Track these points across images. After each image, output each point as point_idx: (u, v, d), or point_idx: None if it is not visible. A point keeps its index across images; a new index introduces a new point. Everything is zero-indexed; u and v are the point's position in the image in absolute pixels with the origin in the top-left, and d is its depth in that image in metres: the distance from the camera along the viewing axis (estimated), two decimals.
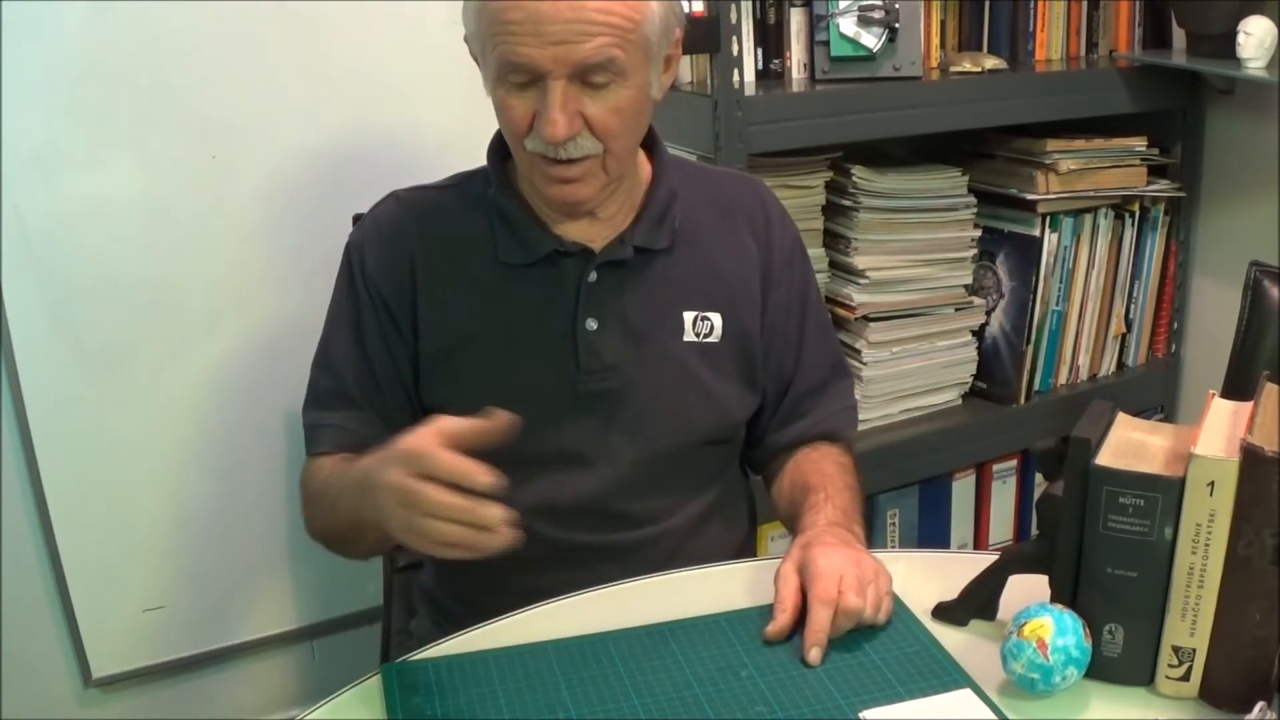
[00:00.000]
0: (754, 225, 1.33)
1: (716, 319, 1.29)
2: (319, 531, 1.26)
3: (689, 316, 1.28)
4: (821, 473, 1.31)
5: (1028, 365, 2.11)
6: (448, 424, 0.97)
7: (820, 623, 1.05)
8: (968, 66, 1.94)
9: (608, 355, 1.25)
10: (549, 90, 1.11)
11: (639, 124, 1.20)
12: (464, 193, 1.30)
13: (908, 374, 2.02)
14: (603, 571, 1.20)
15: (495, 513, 0.93)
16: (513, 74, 1.12)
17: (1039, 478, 2.14)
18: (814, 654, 1.04)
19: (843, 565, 1.08)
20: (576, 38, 1.09)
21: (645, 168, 1.29)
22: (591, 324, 1.24)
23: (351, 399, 1.27)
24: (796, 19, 1.89)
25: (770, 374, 1.35)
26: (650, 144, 1.30)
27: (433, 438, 0.96)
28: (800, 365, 1.36)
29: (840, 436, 1.39)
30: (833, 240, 1.97)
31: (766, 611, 1.10)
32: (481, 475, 0.93)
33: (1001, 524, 2.22)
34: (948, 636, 1.07)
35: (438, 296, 1.25)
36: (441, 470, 0.94)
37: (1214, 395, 1.04)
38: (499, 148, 1.28)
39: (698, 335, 1.29)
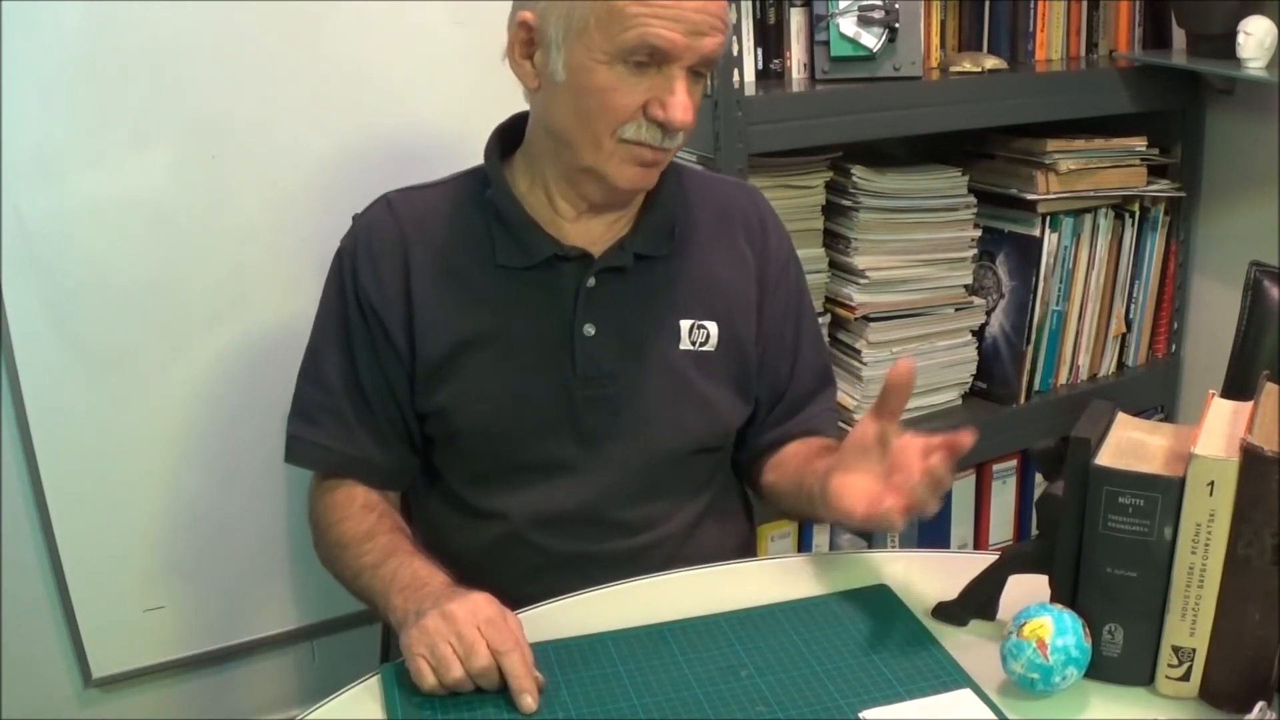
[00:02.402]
0: (750, 233, 1.33)
1: (712, 328, 1.29)
2: (325, 563, 1.28)
3: (685, 325, 1.28)
4: (820, 444, 1.33)
5: (1028, 365, 2.11)
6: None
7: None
8: (968, 66, 1.94)
9: (605, 362, 1.24)
10: (675, 77, 1.12)
11: None
12: (459, 193, 1.28)
13: None
14: (599, 580, 1.20)
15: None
16: (640, 57, 1.11)
17: (1039, 478, 2.14)
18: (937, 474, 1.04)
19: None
20: (711, 30, 1.11)
21: None
22: (589, 330, 1.24)
23: (339, 414, 1.27)
24: (796, 19, 1.89)
25: (765, 382, 1.35)
26: None
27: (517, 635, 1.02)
28: (794, 374, 1.36)
29: (824, 435, 1.39)
30: (833, 240, 1.96)
31: (766, 612, 1.10)
32: (529, 698, 0.98)
33: (1001, 524, 2.22)
34: (948, 636, 1.07)
35: (433, 301, 1.24)
36: (510, 663, 0.99)
37: (1214, 395, 1.04)
38: (497, 148, 1.27)
39: (694, 344, 1.28)
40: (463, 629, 1.00)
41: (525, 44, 1.17)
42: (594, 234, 1.25)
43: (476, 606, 1.02)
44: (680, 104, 1.12)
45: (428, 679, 0.99)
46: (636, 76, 1.12)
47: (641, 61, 1.11)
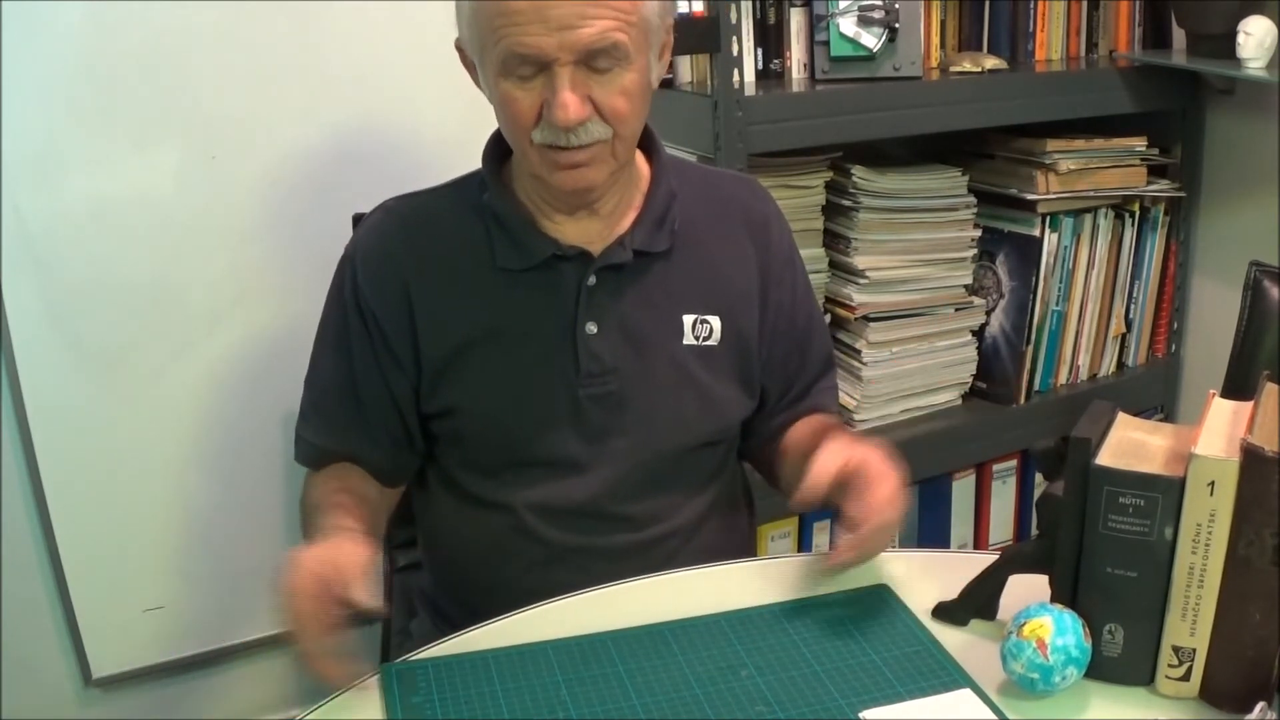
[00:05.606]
0: (752, 227, 1.33)
1: (715, 322, 1.29)
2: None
3: (688, 320, 1.28)
4: (828, 424, 1.34)
5: (1028, 365, 2.11)
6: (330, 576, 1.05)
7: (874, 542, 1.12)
8: (968, 66, 1.94)
9: (608, 359, 1.25)
10: (556, 76, 1.11)
11: (644, 107, 1.20)
12: (458, 198, 1.29)
13: (908, 374, 2.02)
14: (603, 574, 1.20)
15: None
16: (519, 66, 1.12)
17: (1039, 478, 2.14)
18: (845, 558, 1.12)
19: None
20: (580, 22, 1.10)
21: (644, 169, 1.29)
22: (591, 328, 1.24)
23: (327, 414, 1.30)
24: (796, 19, 1.89)
25: (775, 373, 1.35)
26: (649, 145, 1.29)
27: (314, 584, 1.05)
28: (806, 363, 1.38)
29: (825, 411, 1.40)
30: (833, 240, 1.97)
31: (766, 612, 1.10)
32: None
33: (1001, 524, 2.22)
34: (948, 636, 1.07)
35: (435, 306, 1.25)
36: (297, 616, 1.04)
37: (1214, 395, 1.04)
38: (494, 151, 1.28)
39: (697, 338, 1.28)
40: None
41: (469, 66, 1.21)
42: (592, 232, 1.25)
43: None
44: (561, 104, 1.12)
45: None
46: (528, 83, 1.13)
47: (525, 70, 1.12)
